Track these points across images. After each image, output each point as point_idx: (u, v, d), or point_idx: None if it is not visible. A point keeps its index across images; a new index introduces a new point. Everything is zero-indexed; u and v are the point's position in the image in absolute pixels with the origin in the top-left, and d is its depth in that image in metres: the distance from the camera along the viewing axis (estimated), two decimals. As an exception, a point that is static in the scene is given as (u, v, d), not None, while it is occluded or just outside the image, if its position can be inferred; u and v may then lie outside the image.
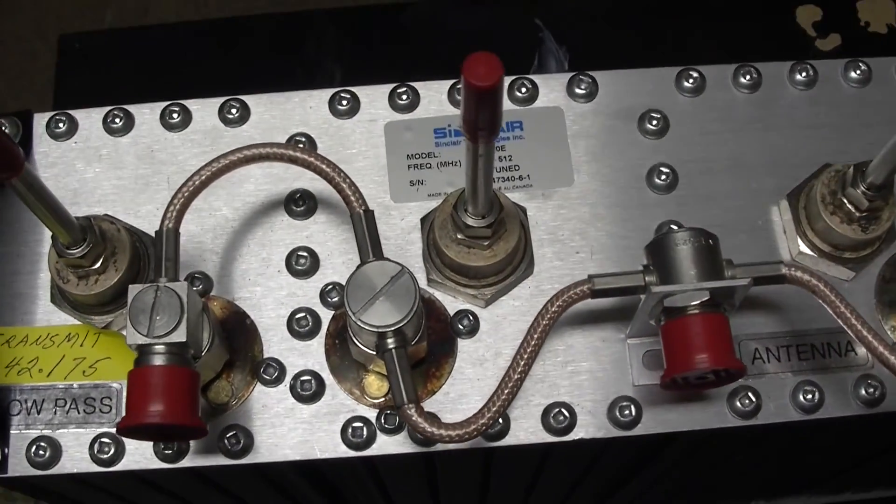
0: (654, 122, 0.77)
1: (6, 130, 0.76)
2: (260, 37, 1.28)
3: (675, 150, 0.77)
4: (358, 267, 0.64)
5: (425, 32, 1.26)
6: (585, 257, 0.74)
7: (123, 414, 0.70)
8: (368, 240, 0.66)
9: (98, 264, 0.69)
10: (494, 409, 0.64)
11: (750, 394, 0.71)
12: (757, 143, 0.77)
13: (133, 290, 0.63)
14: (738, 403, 0.71)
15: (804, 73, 0.79)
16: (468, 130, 0.57)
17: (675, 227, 0.74)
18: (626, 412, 0.71)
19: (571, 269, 0.74)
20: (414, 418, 0.63)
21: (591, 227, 0.75)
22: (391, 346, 0.64)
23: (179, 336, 0.62)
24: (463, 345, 0.72)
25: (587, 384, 0.71)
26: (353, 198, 0.67)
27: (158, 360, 0.62)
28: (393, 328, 0.63)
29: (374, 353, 0.65)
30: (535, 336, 0.65)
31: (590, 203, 0.75)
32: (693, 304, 0.65)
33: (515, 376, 0.65)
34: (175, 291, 0.63)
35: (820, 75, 0.79)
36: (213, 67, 1.24)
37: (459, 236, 0.69)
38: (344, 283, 0.72)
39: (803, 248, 0.74)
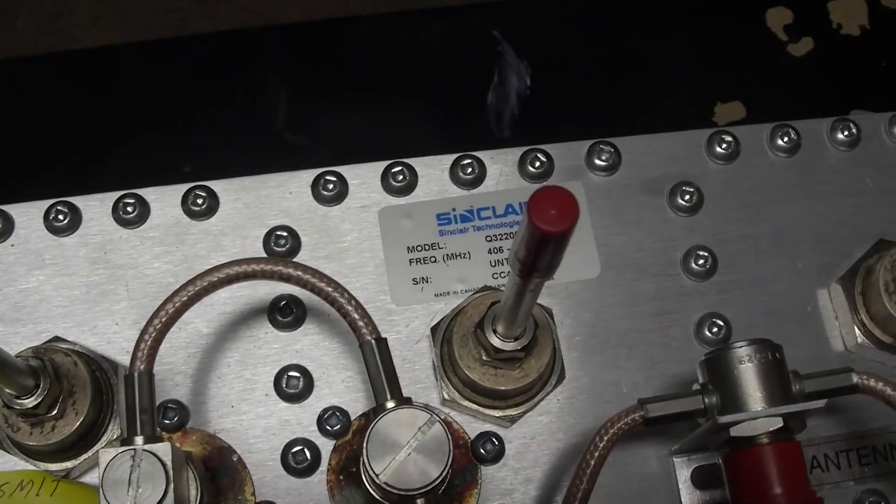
0: (687, 197, 0.67)
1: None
2: (198, 58, 1.15)
3: (712, 227, 0.68)
4: (378, 417, 0.53)
5: (377, 47, 1.15)
6: (620, 361, 0.65)
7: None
8: (384, 376, 0.55)
9: (55, 410, 0.57)
10: (543, 572, 0.55)
11: (811, 509, 0.63)
12: (800, 214, 0.68)
13: (105, 455, 0.52)
14: (798, 521, 0.63)
15: (846, 132, 0.70)
16: (522, 271, 0.47)
17: (727, 337, 0.65)
18: (676, 541, 0.62)
19: (605, 375, 0.64)
20: (451, 591, 0.54)
21: (622, 323, 0.65)
22: (420, 508, 0.53)
23: (166, 511, 0.52)
24: (487, 472, 0.62)
25: (631, 511, 0.63)
26: (361, 323, 0.56)
27: (141, 543, 0.51)
28: (425, 490, 0.53)
29: (395, 508, 0.55)
30: (585, 479, 0.56)
31: (620, 295, 0.66)
32: (763, 432, 0.56)
33: (565, 530, 0.56)
34: (156, 456, 0.52)
35: (863, 132, 0.70)
36: (148, 93, 1.11)
37: (486, 357, 0.59)
38: (343, 407, 0.63)
39: (860, 338, 0.66)
